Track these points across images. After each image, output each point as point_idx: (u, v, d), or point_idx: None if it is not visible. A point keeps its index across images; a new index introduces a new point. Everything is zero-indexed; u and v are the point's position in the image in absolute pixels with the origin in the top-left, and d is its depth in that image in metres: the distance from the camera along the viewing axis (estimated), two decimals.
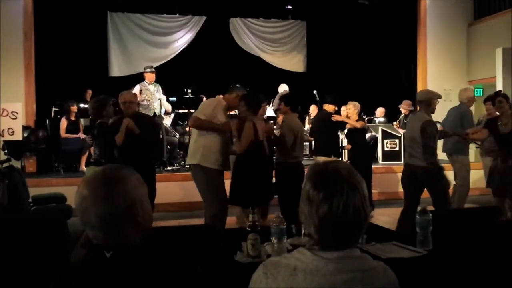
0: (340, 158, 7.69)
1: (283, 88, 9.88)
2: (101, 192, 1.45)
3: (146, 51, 11.72)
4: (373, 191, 7.46)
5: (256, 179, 4.87)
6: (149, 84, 8.36)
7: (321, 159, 6.77)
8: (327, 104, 7.24)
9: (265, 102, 6.56)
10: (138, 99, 5.91)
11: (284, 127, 5.35)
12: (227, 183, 5.01)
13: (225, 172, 5.05)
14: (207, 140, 4.81)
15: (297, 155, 5.34)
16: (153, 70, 8.53)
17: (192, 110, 9.01)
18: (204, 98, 11.08)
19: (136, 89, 8.21)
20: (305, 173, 1.48)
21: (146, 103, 8.20)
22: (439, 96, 5.06)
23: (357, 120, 7.09)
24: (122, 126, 5.11)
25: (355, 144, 7.20)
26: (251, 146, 4.84)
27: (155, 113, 8.29)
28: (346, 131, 7.47)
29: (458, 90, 7.23)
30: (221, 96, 5.26)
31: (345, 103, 7.47)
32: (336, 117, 7.09)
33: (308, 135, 9.84)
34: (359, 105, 7.17)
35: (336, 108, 7.37)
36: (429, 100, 4.93)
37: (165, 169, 8.31)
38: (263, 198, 5.04)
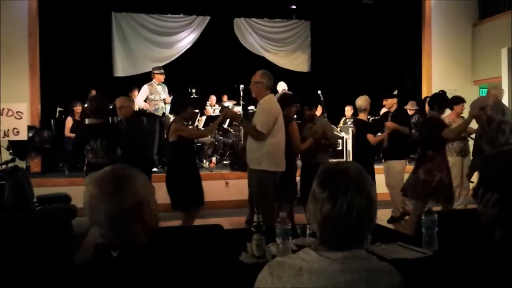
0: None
1: (281, 86, 9.50)
2: (110, 190, 1.46)
3: (150, 51, 11.73)
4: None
5: (187, 181, 4.88)
6: (157, 84, 8.42)
7: (396, 163, 6.51)
8: (389, 99, 6.78)
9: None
10: (132, 103, 5.93)
11: None
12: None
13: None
14: (270, 145, 4.84)
15: None
16: (163, 71, 8.58)
17: (196, 110, 9.03)
18: (214, 97, 11.13)
19: (144, 89, 8.30)
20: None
21: (154, 103, 8.27)
22: None
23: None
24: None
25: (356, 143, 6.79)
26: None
27: (163, 113, 8.35)
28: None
29: (463, 90, 7.17)
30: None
31: (350, 102, 7.28)
32: None
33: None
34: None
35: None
36: None
37: None
38: (201, 200, 5.01)
